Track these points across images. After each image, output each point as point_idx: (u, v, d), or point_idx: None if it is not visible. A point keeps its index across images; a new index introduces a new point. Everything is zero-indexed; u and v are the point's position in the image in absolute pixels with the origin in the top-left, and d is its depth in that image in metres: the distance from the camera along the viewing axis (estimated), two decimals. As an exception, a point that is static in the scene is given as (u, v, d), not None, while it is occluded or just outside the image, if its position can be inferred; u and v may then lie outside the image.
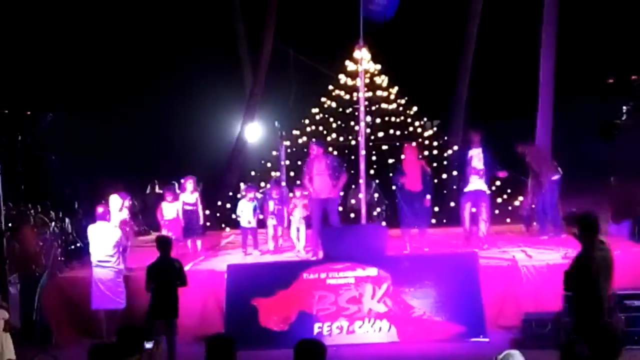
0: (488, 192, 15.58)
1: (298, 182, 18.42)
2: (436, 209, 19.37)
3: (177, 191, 16.53)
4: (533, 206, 17.02)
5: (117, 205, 14.88)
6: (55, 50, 25.86)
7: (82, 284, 14.02)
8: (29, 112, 19.17)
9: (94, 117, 25.57)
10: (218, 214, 21.70)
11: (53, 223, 16.88)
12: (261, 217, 16.61)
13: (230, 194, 22.39)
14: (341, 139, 22.23)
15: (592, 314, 9.24)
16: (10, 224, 15.51)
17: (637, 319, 12.32)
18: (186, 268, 14.64)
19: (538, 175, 16.43)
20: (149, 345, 7.68)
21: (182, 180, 16.67)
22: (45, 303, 14.00)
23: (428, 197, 15.49)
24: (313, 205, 15.91)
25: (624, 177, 17.65)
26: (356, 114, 19.22)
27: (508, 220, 19.20)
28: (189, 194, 16.29)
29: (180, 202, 16.14)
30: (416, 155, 15.95)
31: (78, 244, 16.31)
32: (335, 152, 20.85)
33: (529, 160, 16.48)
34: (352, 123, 21.71)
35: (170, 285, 12.30)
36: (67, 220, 17.59)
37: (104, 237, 13.64)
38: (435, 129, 24.73)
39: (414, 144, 17.71)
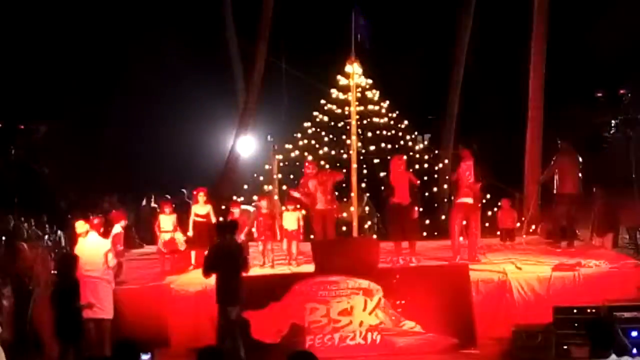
0: (479, 205, 15.64)
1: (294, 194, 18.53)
2: (427, 221, 19.49)
3: (189, 201, 16.46)
4: None
5: (83, 229, 14.25)
6: (48, 63, 25.91)
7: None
8: (22, 126, 19.28)
9: (87, 130, 25.63)
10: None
11: (47, 236, 16.91)
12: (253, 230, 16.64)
13: (223, 207, 22.44)
14: (333, 152, 22.35)
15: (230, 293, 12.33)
16: (4, 238, 15.53)
17: (627, 331, 12.39)
18: (183, 279, 14.78)
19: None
20: (145, 357, 7.74)
21: (194, 192, 16.67)
22: (37, 316, 14.03)
23: (416, 209, 15.53)
24: (314, 217, 16.15)
25: (607, 189, 17.78)
26: (348, 127, 19.34)
27: (498, 232, 19.28)
28: (201, 206, 16.30)
29: (192, 214, 16.19)
30: (403, 168, 15.99)
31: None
32: (327, 166, 20.98)
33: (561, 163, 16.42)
34: (344, 137, 21.83)
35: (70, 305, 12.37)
36: (60, 233, 17.62)
37: (95, 248, 13.63)
38: (426, 142, 24.86)
39: (404, 157, 17.80)
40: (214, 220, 16.28)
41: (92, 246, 13.63)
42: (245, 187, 22.90)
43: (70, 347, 12.23)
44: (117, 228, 15.12)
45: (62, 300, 12.28)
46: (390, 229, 15.64)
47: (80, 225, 14.14)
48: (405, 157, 17.85)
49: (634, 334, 12.26)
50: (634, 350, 12.01)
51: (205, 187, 16.84)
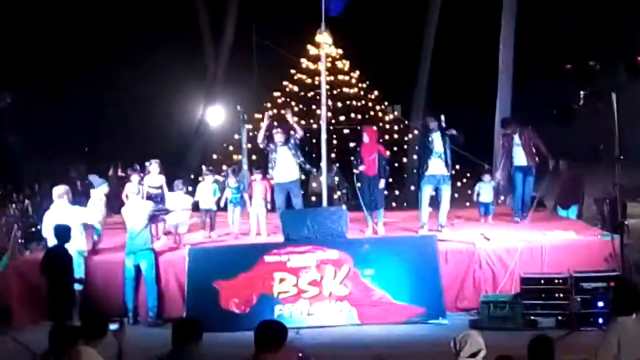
0: (448, 174, 15.68)
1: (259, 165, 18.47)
2: (396, 192, 19.56)
3: (141, 174, 16.37)
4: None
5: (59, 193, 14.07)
6: (13, 31, 25.57)
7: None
8: (-13, 94, 19.06)
9: (54, 98, 25.36)
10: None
11: (13, 205, 16.75)
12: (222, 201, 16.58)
13: (192, 177, 22.37)
14: (303, 122, 22.28)
15: None
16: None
17: (593, 301, 12.55)
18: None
19: (535, 158, 16.54)
20: (113, 327, 7.69)
21: (147, 163, 16.55)
22: (4, 285, 13.93)
23: (382, 181, 15.55)
24: (277, 189, 16.06)
25: (572, 161, 17.93)
26: (318, 97, 19.28)
27: (467, 204, 19.39)
28: (154, 177, 16.21)
29: (145, 185, 16.04)
30: (375, 139, 16.01)
31: (38, 227, 16.13)
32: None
33: (525, 140, 16.48)
34: (314, 107, 21.81)
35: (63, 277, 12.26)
36: (27, 202, 17.45)
37: (63, 217, 13.46)
38: (396, 113, 24.87)
39: (374, 127, 17.79)
40: (166, 191, 16.18)
41: (64, 216, 13.42)
42: (215, 156, 22.82)
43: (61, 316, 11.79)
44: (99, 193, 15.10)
45: (55, 272, 12.09)
46: (359, 199, 15.66)
47: (58, 190, 13.95)
48: (375, 128, 17.87)
49: (600, 304, 12.42)
50: (600, 320, 12.26)
51: (157, 158, 16.68)
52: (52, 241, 12.84)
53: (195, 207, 16.38)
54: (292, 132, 16.30)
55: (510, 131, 16.68)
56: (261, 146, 16.32)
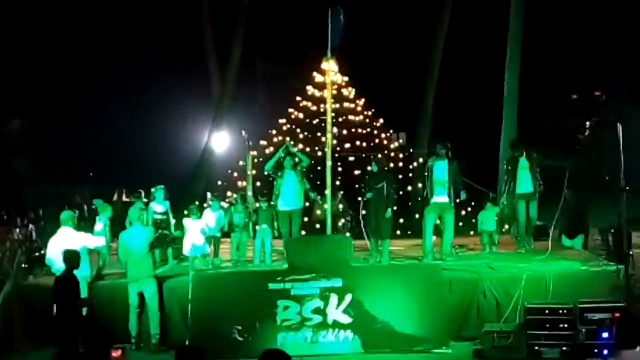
0: (452, 204, 15.67)
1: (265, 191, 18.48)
2: (401, 220, 19.51)
3: (145, 200, 16.38)
4: None
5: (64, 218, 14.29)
6: (21, 57, 25.69)
7: (45, 292, 13.90)
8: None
9: (60, 124, 25.45)
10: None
11: (17, 229, 16.73)
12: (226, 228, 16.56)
13: (197, 203, 22.35)
14: (308, 149, 22.32)
15: None
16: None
17: (598, 332, 12.47)
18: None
19: None
20: (116, 353, 7.68)
21: (152, 190, 16.56)
22: (8, 310, 13.89)
23: (389, 210, 15.52)
24: (281, 216, 16.04)
25: (578, 191, 17.86)
26: (323, 125, 19.32)
27: (472, 232, 19.34)
28: (159, 203, 16.22)
29: (150, 211, 16.04)
30: (383, 167, 16.03)
31: (42, 251, 16.12)
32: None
33: (532, 163, 16.35)
34: (319, 134, 21.81)
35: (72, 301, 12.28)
36: (31, 227, 17.45)
37: (68, 242, 13.44)
38: (401, 141, 24.89)
39: (379, 155, 17.81)
40: (171, 217, 16.19)
41: (69, 242, 13.39)
42: (219, 183, 22.83)
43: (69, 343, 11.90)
44: (103, 218, 15.09)
45: (64, 300, 12.04)
46: (365, 227, 15.65)
47: (63, 215, 13.94)
48: (380, 156, 17.88)
49: (605, 335, 12.34)
50: (604, 351, 12.17)
51: (162, 184, 16.70)
52: (56, 267, 12.81)
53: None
54: (297, 160, 16.34)
55: (518, 153, 16.59)
56: (268, 172, 16.37)
